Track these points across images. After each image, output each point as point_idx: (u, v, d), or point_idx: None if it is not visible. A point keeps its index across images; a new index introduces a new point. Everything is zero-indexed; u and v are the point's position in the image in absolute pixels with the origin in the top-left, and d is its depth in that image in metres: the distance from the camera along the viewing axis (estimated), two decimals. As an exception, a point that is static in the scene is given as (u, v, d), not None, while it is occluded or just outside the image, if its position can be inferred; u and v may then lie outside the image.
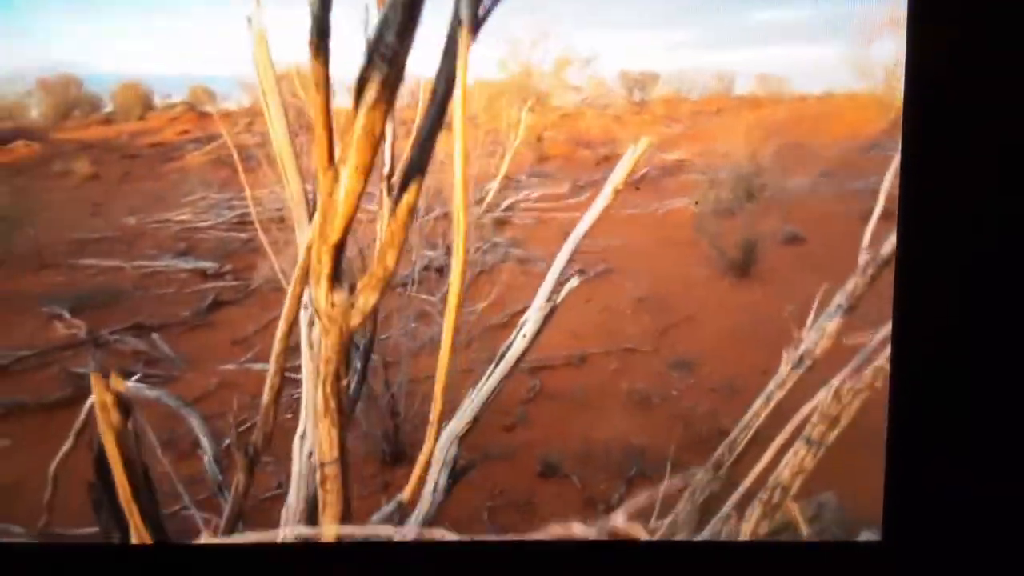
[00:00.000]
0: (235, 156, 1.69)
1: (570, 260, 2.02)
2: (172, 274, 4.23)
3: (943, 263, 1.06)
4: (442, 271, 3.82)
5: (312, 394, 1.15)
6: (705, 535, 1.45)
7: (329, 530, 1.22)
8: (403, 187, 0.91)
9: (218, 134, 6.18)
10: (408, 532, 1.65)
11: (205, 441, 1.94)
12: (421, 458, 1.25)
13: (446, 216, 4.21)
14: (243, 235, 4.69)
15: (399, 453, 2.44)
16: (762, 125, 4.77)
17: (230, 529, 1.40)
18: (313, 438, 1.18)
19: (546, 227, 4.40)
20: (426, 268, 3.75)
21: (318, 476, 1.18)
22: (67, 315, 3.73)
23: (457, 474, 1.70)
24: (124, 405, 1.02)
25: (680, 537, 1.48)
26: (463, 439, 1.71)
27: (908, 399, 1.10)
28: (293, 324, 1.28)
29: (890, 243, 1.30)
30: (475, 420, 1.69)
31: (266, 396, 1.22)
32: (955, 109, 1.02)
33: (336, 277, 0.90)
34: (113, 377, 1.01)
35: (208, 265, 4.28)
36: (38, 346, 3.40)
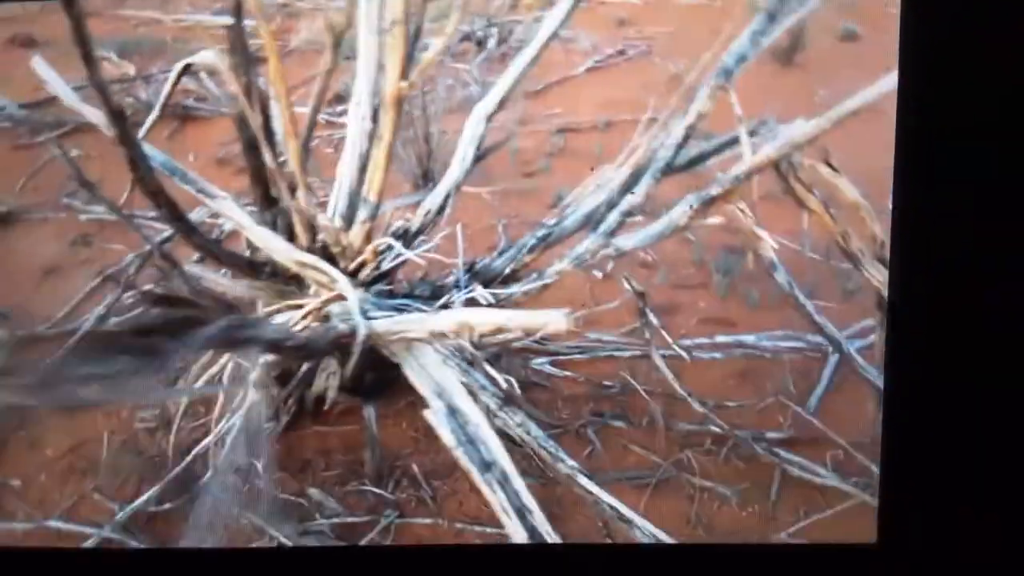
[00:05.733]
0: None
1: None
2: (211, 29, 4.26)
3: (939, 261, 1.07)
4: (481, 43, 3.81)
5: None
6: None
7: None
8: None
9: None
10: (437, 196, 1.85)
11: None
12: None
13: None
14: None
15: (430, 176, 2.66)
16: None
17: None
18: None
19: None
20: (465, 39, 3.75)
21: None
22: (115, 58, 3.87)
23: (483, 152, 1.89)
24: None
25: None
26: (491, 118, 1.86)
27: (903, 403, 1.13)
28: None
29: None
30: (503, 101, 1.85)
31: None
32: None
33: None
34: None
35: (247, 23, 4.31)
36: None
